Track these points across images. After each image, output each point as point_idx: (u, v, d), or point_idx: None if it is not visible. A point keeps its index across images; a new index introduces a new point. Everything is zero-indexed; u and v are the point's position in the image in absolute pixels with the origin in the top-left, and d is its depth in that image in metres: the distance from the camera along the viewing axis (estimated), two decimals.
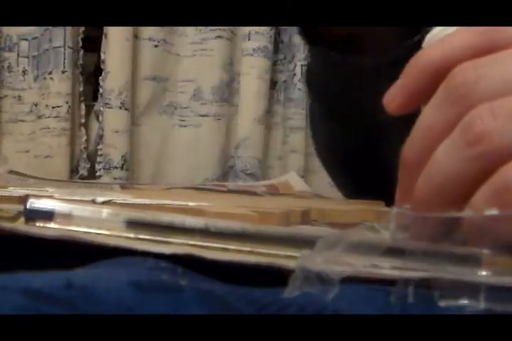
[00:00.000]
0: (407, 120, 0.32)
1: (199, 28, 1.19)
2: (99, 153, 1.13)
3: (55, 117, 1.11)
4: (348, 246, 0.26)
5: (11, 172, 0.98)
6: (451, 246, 0.26)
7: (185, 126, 1.20)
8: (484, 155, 0.27)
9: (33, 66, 1.15)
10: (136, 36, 1.15)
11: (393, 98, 0.33)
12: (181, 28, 1.19)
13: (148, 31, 1.17)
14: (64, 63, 1.11)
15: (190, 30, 1.20)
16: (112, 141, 1.12)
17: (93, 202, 0.42)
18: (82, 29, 1.14)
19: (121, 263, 0.26)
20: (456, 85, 0.29)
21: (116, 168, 1.12)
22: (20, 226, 0.30)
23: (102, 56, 1.14)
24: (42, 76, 1.13)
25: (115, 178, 1.12)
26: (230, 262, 0.27)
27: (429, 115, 0.30)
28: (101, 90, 1.14)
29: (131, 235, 0.30)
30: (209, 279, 0.26)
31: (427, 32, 0.39)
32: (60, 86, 1.11)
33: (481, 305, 0.24)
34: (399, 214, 0.29)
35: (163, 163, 1.20)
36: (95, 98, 1.16)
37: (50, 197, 0.38)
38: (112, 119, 1.13)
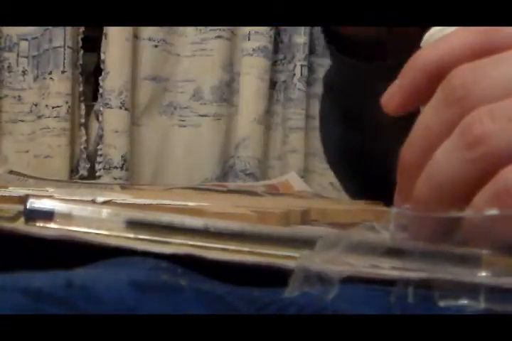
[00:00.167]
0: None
1: (199, 28, 1.19)
2: (99, 153, 1.13)
3: (55, 117, 1.11)
4: (347, 246, 0.26)
5: (11, 172, 0.98)
6: (451, 247, 0.26)
7: (185, 126, 1.20)
8: (484, 158, 0.27)
9: (33, 66, 1.15)
10: (136, 36, 1.15)
11: (391, 98, 0.33)
12: (181, 28, 1.19)
13: (148, 31, 1.17)
14: (64, 63, 1.11)
15: (190, 30, 1.20)
16: (112, 141, 1.12)
17: (93, 202, 0.41)
18: (82, 29, 1.14)
19: (121, 263, 0.26)
20: (455, 87, 0.29)
21: (116, 168, 1.12)
22: (20, 226, 0.30)
23: (102, 56, 1.14)
24: (42, 76, 1.13)
25: (115, 178, 1.12)
26: (229, 262, 0.27)
27: (428, 116, 0.30)
28: (101, 90, 1.14)
29: (131, 235, 0.30)
30: (209, 279, 0.26)
31: None
32: (59, 86, 1.11)
33: (480, 305, 0.24)
34: (398, 215, 0.29)
35: (163, 163, 1.20)
36: (95, 98, 1.16)
37: (50, 197, 0.38)
38: (112, 119, 1.13)
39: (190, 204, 0.44)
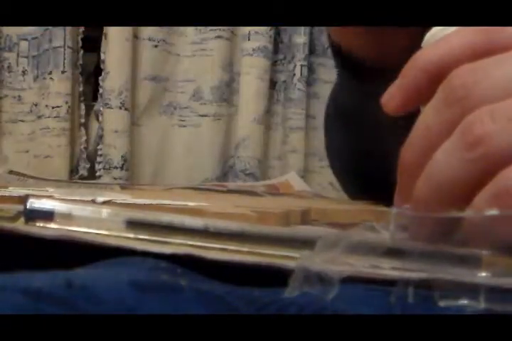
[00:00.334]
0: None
1: (199, 28, 1.19)
2: (99, 153, 1.13)
3: (54, 117, 1.11)
4: (347, 246, 0.26)
5: (11, 172, 0.98)
6: (451, 247, 0.26)
7: (184, 126, 1.20)
8: (484, 158, 0.27)
9: (33, 66, 1.15)
10: (135, 36, 1.15)
11: (391, 98, 0.33)
12: (181, 28, 1.19)
13: (148, 31, 1.17)
14: (64, 63, 1.11)
15: (190, 30, 1.20)
16: (112, 141, 1.12)
17: (93, 202, 0.41)
18: (81, 29, 1.14)
19: (121, 263, 0.26)
20: (456, 87, 0.29)
21: (116, 168, 1.12)
22: (20, 226, 0.30)
23: (102, 56, 1.14)
24: (42, 76, 1.13)
25: (115, 178, 1.12)
26: (229, 262, 0.27)
27: (428, 116, 0.30)
28: (101, 90, 1.14)
29: (131, 235, 0.30)
30: (208, 279, 0.26)
31: None
32: (59, 86, 1.11)
33: (480, 305, 0.24)
34: (398, 215, 0.29)
35: (162, 163, 1.20)
36: (95, 98, 1.16)
37: (50, 197, 0.38)
38: (112, 119, 1.13)
39: (190, 204, 0.44)
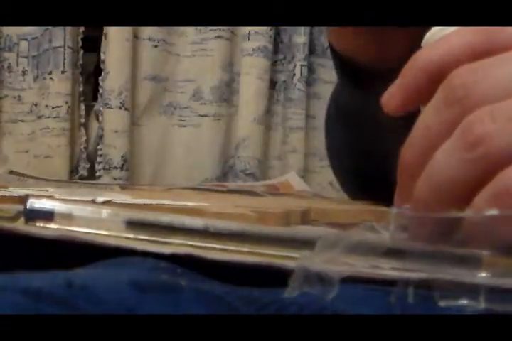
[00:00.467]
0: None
1: (199, 28, 1.19)
2: (99, 153, 1.13)
3: (54, 117, 1.11)
4: (347, 246, 0.26)
5: (11, 172, 0.98)
6: (451, 247, 0.26)
7: (184, 126, 1.20)
8: (484, 158, 0.27)
9: (33, 66, 1.15)
10: (135, 36, 1.15)
11: (391, 98, 0.33)
12: (181, 28, 1.19)
13: (148, 31, 1.17)
14: (64, 63, 1.11)
15: (190, 30, 1.20)
16: (112, 141, 1.12)
17: (93, 202, 0.42)
18: (81, 29, 1.14)
19: (120, 263, 0.26)
20: (455, 87, 0.29)
21: (116, 168, 1.12)
22: (20, 226, 0.30)
23: (102, 56, 1.14)
24: (42, 76, 1.13)
25: (115, 178, 1.12)
26: (229, 262, 0.27)
27: (429, 116, 0.30)
28: (101, 90, 1.14)
29: (131, 235, 0.30)
30: (208, 279, 0.26)
31: None
32: (59, 86, 1.11)
33: (480, 305, 0.24)
34: (399, 215, 0.29)
35: (162, 163, 1.20)
36: (95, 98, 1.16)
37: (50, 197, 0.38)
38: (112, 119, 1.13)
39: (190, 204, 0.44)
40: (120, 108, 1.13)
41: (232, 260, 0.27)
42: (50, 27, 1.12)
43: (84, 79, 1.16)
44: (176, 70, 1.20)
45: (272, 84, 1.23)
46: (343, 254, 0.26)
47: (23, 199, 0.31)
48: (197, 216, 0.36)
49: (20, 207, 0.31)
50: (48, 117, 1.12)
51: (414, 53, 0.33)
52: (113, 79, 1.13)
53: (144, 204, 0.43)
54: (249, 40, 1.20)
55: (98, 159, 1.13)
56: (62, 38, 1.11)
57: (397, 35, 0.50)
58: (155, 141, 1.19)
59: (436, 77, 0.31)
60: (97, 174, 1.13)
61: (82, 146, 1.15)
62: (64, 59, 1.11)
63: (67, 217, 0.30)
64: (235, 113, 1.22)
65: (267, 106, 1.22)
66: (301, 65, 1.23)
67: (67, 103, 1.11)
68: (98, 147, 1.14)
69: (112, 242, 0.28)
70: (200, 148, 1.19)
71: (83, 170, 1.14)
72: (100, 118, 1.14)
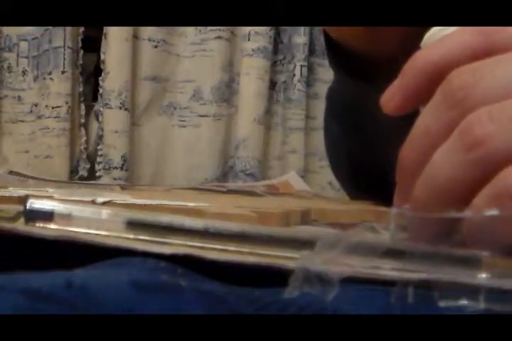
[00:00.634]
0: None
1: (199, 28, 1.19)
2: (99, 153, 1.13)
3: (54, 117, 1.11)
4: (347, 246, 0.26)
5: (11, 172, 0.98)
6: (450, 248, 0.26)
7: (184, 127, 1.20)
8: (483, 159, 0.27)
9: (33, 66, 1.15)
10: (135, 36, 1.15)
11: (391, 98, 0.32)
12: (181, 29, 1.19)
13: (147, 31, 1.17)
14: (64, 63, 1.11)
15: (189, 30, 1.20)
16: (112, 141, 1.12)
17: (93, 202, 0.42)
18: (81, 29, 1.14)
19: (121, 263, 0.26)
20: (454, 89, 0.29)
21: (116, 168, 1.12)
22: (20, 226, 0.30)
23: (102, 56, 1.14)
24: (42, 76, 1.13)
25: (115, 178, 1.12)
26: (229, 262, 0.27)
27: (427, 118, 0.30)
28: (101, 90, 1.14)
29: (131, 236, 0.30)
30: (209, 280, 0.26)
31: None
32: (59, 86, 1.11)
33: (480, 305, 0.24)
34: (398, 215, 0.29)
35: (162, 163, 1.20)
36: (95, 98, 1.16)
37: (50, 197, 0.38)
38: (112, 119, 1.13)
39: (190, 204, 0.44)
40: (120, 108, 1.13)
41: (232, 260, 0.27)
42: (50, 27, 1.12)
43: (84, 80, 1.16)
44: (176, 70, 1.20)
45: (272, 84, 1.24)
46: (343, 255, 0.26)
47: (22, 200, 0.31)
48: (197, 216, 0.36)
49: (20, 208, 0.31)
50: (48, 117, 1.12)
51: (410, 51, 0.32)
52: (113, 80, 1.13)
53: (144, 205, 0.43)
54: (249, 40, 1.20)
55: (98, 159, 1.13)
56: (62, 38, 1.11)
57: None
58: (155, 141, 1.19)
59: (435, 78, 0.31)
60: (97, 174, 1.13)
61: (82, 146, 1.15)
62: (64, 59, 1.11)
63: (67, 218, 0.30)
64: (234, 113, 1.22)
65: (267, 107, 1.22)
66: (301, 66, 1.23)
67: (67, 103, 1.11)
68: (98, 147, 1.14)
69: (112, 242, 0.28)
70: (200, 149, 1.19)
71: (83, 170, 1.14)
72: (100, 118, 1.14)
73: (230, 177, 1.20)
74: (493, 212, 0.26)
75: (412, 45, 0.35)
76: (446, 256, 0.26)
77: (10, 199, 0.43)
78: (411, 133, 0.31)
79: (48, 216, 0.30)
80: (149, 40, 1.17)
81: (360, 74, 0.56)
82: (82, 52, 1.15)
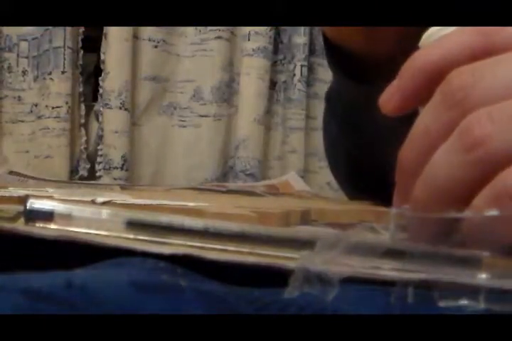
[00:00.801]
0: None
1: (199, 28, 1.19)
2: (99, 153, 1.13)
3: (54, 117, 1.11)
4: (347, 247, 0.26)
5: (11, 172, 0.98)
6: (450, 248, 0.26)
7: (184, 127, 1.20)
8: (483, 160, 0.27)
9: (33, 66, 1.15)
10: (135, 36, 1.15)
11: (389, 99, 0.32)
12: (181, 29, 1.19)
13: (147, 31, 1.17)
14: (64, 63, 1.11)
15: (189, 30, 1.20)
16: (112, 141, 1.12)
17: (93, 202, 0.41)
18: (81, 29, 1.14)
19: (120, 263, 0.26)
20: (453, 89, 0.29)
21: (116, 168, 1.12)
22: (20, 226, 0.30)
23: (102, 56, 1.14)
24: (42, 76, 1.13)
25: (115, 178, 1.12)
26: (229, 262, 0.27)
27: (427, 118, 0.30)
28: (101, 90, 1.14)
29: (131, 236, 0.30)
30: (208, 280, 0.26)
31: None
32: (59, 86, 1.11)
33: (480, 305, 0.24)
34: (398, 215, 0.29)
35: (162, 164, 1.20)
36: (95, 98, 1.16)
37: (50, 197, 0.38)
38: (112, 119, 1.13)
39: (190, 204, 0.44)
40: (120, 108, 1.13)
41: (232, 260, 0.27)
42: (50, 27, 1.12)
43: (84, 80, 1.16)
44: (176, 70, 1.20)
45: (272, 84, 1.24)
46: (343, 255, 0.26)
47: (23, 200, 0.31)
48: (197, 216, 0.36)
49: (20, 208, 0.31)
50: (48, 117, 1.12)
51: (408, 51, 0.32)
52: (113, 80, 1.13)
53: (144, 205, 0.43)
54: (249, 40, 1.20)
55: (98, 159, 1.13)
56: (62, 38, 1.11)
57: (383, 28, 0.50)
58: (155, 142, 1.19)
59: (434, 78, 0.31)
60: (97, 174, 1.13)
61: (82, 146, 1.15)
62: (64, 59, 1.11)
63: (67, 218, 0.30)
64: (234, 113, 1.22)
65: (267, 107, 1.22)
66: (301, 65, 1.23)
67: (67, 103, 1.11)
68: (98, 147, 1.14)
69: (112, 242, 0.28)
70: (200, 149, 1.19)
71: (83, 170, 1.14)
72: (100, 118, 1.14)
73: (230, 178, 1.20)
74: (493, 212, 0.26)
75: (409, 45, 0.35)
76: (446, 256, 0.26)
77: (10, 200, 0.43)
78: (410, 134, 0.31)
79: (47, 216, 0.30)
80: (149, 40, 1.17)
81: (359, 76, 0.56)
82: (82, 52, 1.15)
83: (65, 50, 1.11)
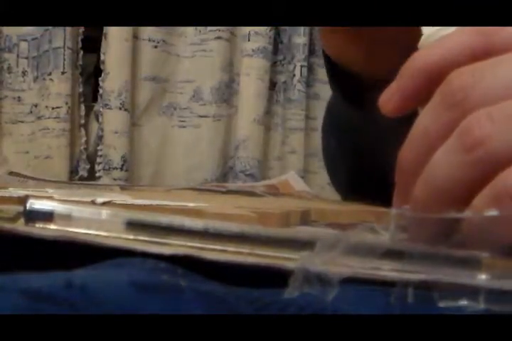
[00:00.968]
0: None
1: (199, 28, 1.19)
2: (99, 153, 1.13)
3: (54, 118, 1.11)
4: (347, 247, 0.26)
5: (10, 173, 0.99)
6: (450, 249, 0.26)
7: (184, 127, 1.20)
8: (483, 160, 0.27)
9: (33, 67, 1.15)
10: (135, 37, 1.15)
11: (389, 100, 0.32)
12: (181, 29, 1.19)
13: (147, 32, 1.17)
14: (64, 64, 1.12)
15: (189, 30, 1.20)
16: (112, 142, 1.12)
17: (93, 203, 0.41)
18: (81, 29, 1.14)
19: (120, 263, 0.26)
20: (453, 90, 0.29)
21: (115, 168, 1.12)
22: (20, 226, 0.30)
23: (102, 57, 1.14)
24: (42, 77, 1.13)
25: (115, 179, 1.12)
26: (229, 263, 0.27)
27: (426, 119, 0.30)
28: (100, 91, 1.14)
29: (131, 236, 0.30)
30: (208, 280, 0.26)
31: None
32: (59, 87, 1.11)
33: (480, 306, 0.24)
34: (398, 215, 0.29)
35: (162, 164, 1.20)
36: (95, 99, 1.16)
37: (50, 197, 0.38)
38: (112, 120, 1.13)
39: (190, 205, 0.44)
40: (120, 108, 1.13)
41: (231, 261, 0.27)
42: (50, 27, 1.12)
43: (84, 80, 1.16)
44: (176, 71, 1.20)
45: (272, 84, 1.24)
46: (342, 255, 0.26)
47: (22, 200, 0.31)
48: (197, 217, 0.36)
49: (20, 208, 0.31)
50: (48, 118, 1.12)
51: (411, 54, 0.32)
52: (113, 80, 1.13)
53: (144, 205, 0.43)
54: (249, 40, 1.20)
55: (98, 160, 1.13)
56: (62, 38, 1.11)
57: (387, 46, 0.50)
58: (155, 142, 1.19)
59: (434, 78, 0.31)
60: (97, 175, 1.13)
61: (82, 147, 1.15)
62: (64, 59, 1.11)
63: (67, 218, 0.30)
64: (234, 114, 1.22)
65: (267, 107, 1.22)
66: (301, 66, 1.23)
67: (67, 104, 1.11)
68: (98, 148, 1.14)
69: (112, 243, 0.28)
70: (200, 149, 1.19)
71: (83, 170, 1.14)
72: (100, 118, 1.14)
73: (230, 178, 1.20)
74: (493, 212, 0.26)
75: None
76: (446, 257, 0.26)
77: (10, 200, 0.43)
78: (410, 134, 0.31)
79: (47, 216, 0.30)
80: (149, 40, 1.17)
81: (357, 100, 0.56)
82: (82, 52, 1.15)
83: (64, 50, 1.11)
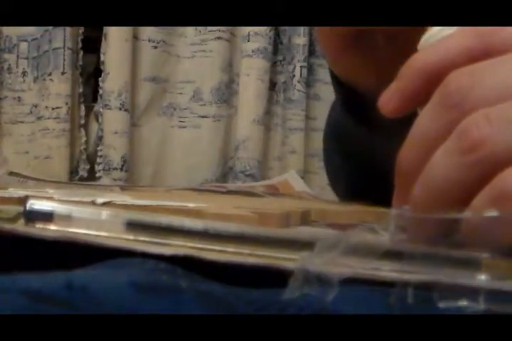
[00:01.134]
0: None
1: (198, 29, 1.19)
2: (99, 154, 1.13)
3: (54, 118, 1.11)
4: (347, 247, 0.26)
5: (10, 173, 0.99)
6: (450, 249, 0.26)
7: (184, 127, 1.20)
8: (481, 162, 0.27)
9: (33, 67, 1.15)
10: (135, 37, 1.16)
11: (389, 100, 0.32)
12: (181, 29, 1.20)
13: (147, 32, 1.17)
14: (63, 64, 1.12)
15: (189, 31, 1.20)
16: (112, 142, 1.12)
17: (93, 203, 0.41)
18: (81, 30, 1.14)
19: (120, 264, 0.26)
20: (451, 91, 0.29)
21: (115, 169, 1.12)
22: (20, 227, 0.30)
23: (102, 57, 1.14)
24: (41, 77, 1.13)
25: (115, 179, 1.12)
26: (229, 263, 0.27)
27: (425, 121, 0.30)
28: (100, 91, 1.14)
29: (131, 236, 0.30)
30: (208, 280, 0.26)
31: None
32: (59, 87, 1.11)
33: (480, 306, 0.24)
34: (398, 216, 0.29)
35: (162, 164, 1.20)
36: (95, 99, 1.16)
37: (50, 198, 0.38)
38: (112, 120, 1.13)
39: (190, 205, 0.44)
40: (120, 109, 1.13)
41: (231, 261, 0.27)
42: (49, 28, 1.12)
43: (84, 80, 1.16)
44: (176, 71, 1.20)
45: (272, 85, 1.24)
46: (342, 255, 0.26)
47: (22, 201, 0.31)
48: (196, 217, 0.36)
49: (20, 208, 0.31)
50: (48, 118, 1.12)
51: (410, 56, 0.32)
52: (113, 80, 1.13)
53: (144, 206, 0.43)
54: (248, 41, 1.20)
55: (98, 160, 1.14)
56: (62, 38, 1.11)
57: (396, 66, 0.49)
58: (155, 142, 1.19)
59: (433, 79, 0.31)
60: (97, 175, 1.13)
61: (81, 147, 1.15)
62: (64, 60, 1.11)
63: (67, 218, 0.30)
64: (234, 114, 1.22)
65: (267, 107, 1.22)
66: (301, 66, 1.23)
67: (67, 104, 1.11)
68: (98, 148, 1.14)
69: (112, 243, 0.28)
70: (200, 149, 1.19)
71: (83, 171, 1.14)
72: (100, 119, 1.14)
73: (230, 178, 1.20)
74: (492, 213, 0.26)
75: None
76: (446, 258, 0.26)
77: (10, 200, 0.43)
78: (409, 135, 0.31)
79: (47, 217, 0.30)
80: (149, 40, 1.17)
81: (363, 119, 0.55)
82: (81, 53, 1.15)
83: (64, 50, 1.11)
